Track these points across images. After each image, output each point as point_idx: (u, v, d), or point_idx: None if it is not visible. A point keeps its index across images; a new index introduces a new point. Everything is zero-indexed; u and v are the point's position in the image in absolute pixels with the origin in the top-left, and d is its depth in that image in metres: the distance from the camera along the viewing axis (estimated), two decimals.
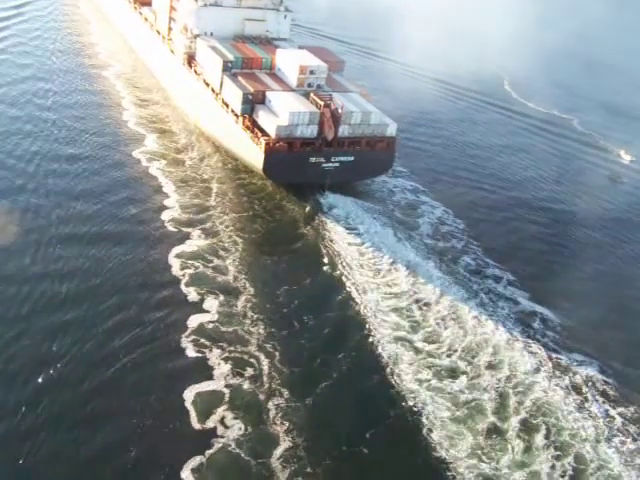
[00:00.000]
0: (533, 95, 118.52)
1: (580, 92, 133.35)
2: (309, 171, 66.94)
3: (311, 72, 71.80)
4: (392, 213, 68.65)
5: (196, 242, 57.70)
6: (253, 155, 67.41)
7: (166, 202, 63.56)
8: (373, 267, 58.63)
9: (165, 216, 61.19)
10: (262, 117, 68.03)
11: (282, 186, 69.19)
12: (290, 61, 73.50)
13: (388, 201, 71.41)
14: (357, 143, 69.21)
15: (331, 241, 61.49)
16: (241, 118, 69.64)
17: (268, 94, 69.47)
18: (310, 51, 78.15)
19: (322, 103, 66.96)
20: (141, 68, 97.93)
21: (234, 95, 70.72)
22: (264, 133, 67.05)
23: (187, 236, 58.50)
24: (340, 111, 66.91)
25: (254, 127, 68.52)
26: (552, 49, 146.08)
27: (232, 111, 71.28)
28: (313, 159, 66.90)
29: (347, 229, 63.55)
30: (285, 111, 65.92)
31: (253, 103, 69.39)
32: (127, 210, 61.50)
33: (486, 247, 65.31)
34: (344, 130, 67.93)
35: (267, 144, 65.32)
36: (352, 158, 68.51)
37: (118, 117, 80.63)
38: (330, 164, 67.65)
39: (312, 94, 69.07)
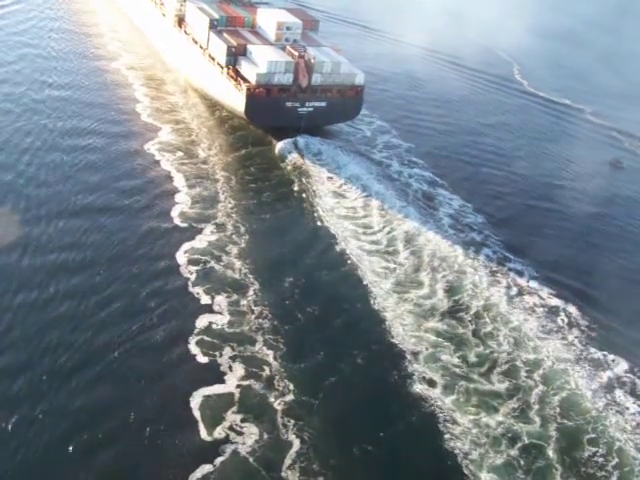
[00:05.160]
0: (543, 82, 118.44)
1: (593, 80, 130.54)
2: (285, 114, 75.72)
3: (287, 28, 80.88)
4: (414, 199, 68.49)
5: (204, 237, 56.26)
6: (236, 100, 76.25)
7: (176, 196, 62.49)
8: (386, 251, 58.17)
9: (174, 210, 59.90)
10: (244, 67, 76.87)
11: (262, 129, 77.96)
12: (269, 19, 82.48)
13: (410, 192, 70.13)
14: (329, 90, 77.87)
15: (340, 226, 61.14)
16: (225, 69, 78.42)
17: (249, 47, 78.36)
18: (288, 11, 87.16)
19: (297, 54, 75.97)
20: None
21: (219, 49, 79.57)
22: (245, 81, 75.78)
23: (196, 230, 57.07)
24: (313, 61, 75.77)
25: (237, 76, 77.20)
26: (563, 36, 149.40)
27: (217, 63, 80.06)
28: (289, 104, 75.74)
29: (350, 208, 65.06)
30: (264, 61, 74.73)
31: (236, 55, 78.38)
32: (134, 200, 60.68)
33: (494, 222, 66.25)
34: (317, 78, 76.69)
35: (248, 90, 74.12)
36: (324, 104, 77.39)
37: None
38: (304, 109, 76.48)
39: (288, 46, 78.03)
